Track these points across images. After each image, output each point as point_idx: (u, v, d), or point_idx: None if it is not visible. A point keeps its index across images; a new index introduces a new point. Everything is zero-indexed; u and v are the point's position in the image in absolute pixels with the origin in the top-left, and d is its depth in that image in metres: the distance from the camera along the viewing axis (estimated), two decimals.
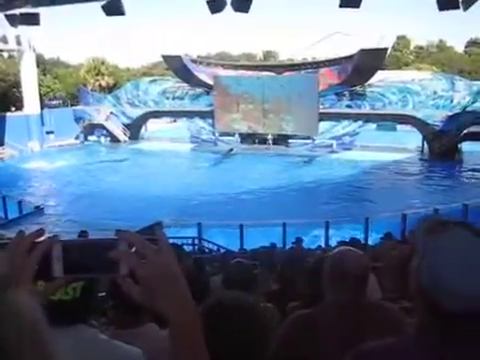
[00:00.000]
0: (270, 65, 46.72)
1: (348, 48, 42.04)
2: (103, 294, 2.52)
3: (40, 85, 47.01)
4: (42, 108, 45.29)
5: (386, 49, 35.85)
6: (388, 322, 1.96)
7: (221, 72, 42.60)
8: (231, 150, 39.16)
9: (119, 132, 46.11)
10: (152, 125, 50.67)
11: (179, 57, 41.27)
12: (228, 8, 17.11)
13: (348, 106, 38.90)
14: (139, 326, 2.27)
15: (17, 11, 18.86)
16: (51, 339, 0.69)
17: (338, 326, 1.75)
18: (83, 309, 1.86)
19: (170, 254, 0.94)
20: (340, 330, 1.60)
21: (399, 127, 43.09)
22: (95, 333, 1.92)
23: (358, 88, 38.25)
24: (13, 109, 45.56)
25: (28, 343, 0.64)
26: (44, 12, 19.81)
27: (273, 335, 2.29)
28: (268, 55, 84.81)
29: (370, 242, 14.79)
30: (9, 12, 18.98)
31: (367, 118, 38.26)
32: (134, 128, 46.29)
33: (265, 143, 39.74)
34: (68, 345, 1.40)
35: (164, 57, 42.77)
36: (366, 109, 38.24)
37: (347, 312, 1.99)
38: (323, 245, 15.64)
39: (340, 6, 16.16)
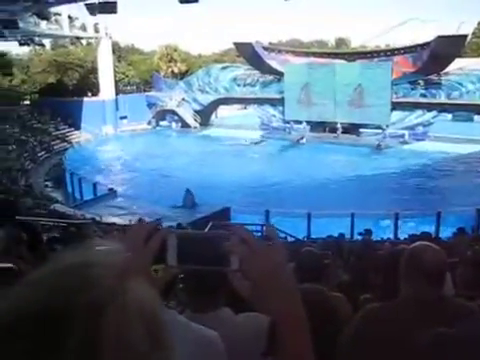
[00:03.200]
0: (342, 52, 45.89)
1: (424, 35, 40.62)
2: None
3: (115, 71, 48.35)
4: (117, 94, 46.70)
5: (466, 36, 34.38)
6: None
7: (292, 59, 42.23)
8: (301, 138, 38.85)
9: (190, 118, 46.84)
10: (223, 111, 51.12)
11: (250, 44, 41.31)
12: None
13: (422, 95, 37.60)
14: (214, 310, 2.29)
15: (96, 0, 19.54)
16: (167, 328, 0.69)
17: (415, 321, 1.74)
18: (163, 292, 1.91)
19: (282, 252, 0.92)
20: (417, 325, 1.59)
21: (476, 118, 41.33)
22: (174, 314, 1.95)
23: (434, 77, 36.91)
24: (90, 94, 47.16)
25: (149, 333, 0.63)
26: (120, 0, 20.40)
27: (346, 326, 2.30)
28: (340, 42, 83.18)
29: (441, 236, 14.36)
30: (88, 1, 19.70)
31: (442, 108, 36.84)
32: (205, 114, 46.85)
33: (335, 132, 39.03)
34: None
35: (236, 44, 43.00)
36: (441, 98, 36.80)
37: (425, 308, 1.97)
38: (392, 237, 15.34)
39: None
